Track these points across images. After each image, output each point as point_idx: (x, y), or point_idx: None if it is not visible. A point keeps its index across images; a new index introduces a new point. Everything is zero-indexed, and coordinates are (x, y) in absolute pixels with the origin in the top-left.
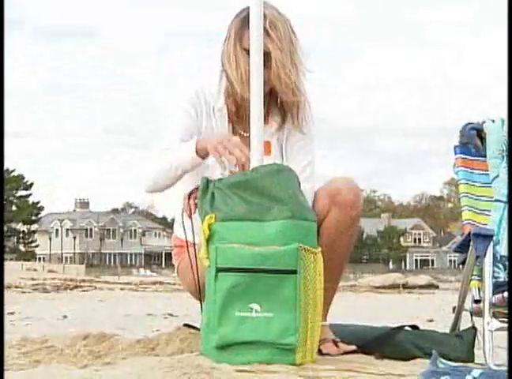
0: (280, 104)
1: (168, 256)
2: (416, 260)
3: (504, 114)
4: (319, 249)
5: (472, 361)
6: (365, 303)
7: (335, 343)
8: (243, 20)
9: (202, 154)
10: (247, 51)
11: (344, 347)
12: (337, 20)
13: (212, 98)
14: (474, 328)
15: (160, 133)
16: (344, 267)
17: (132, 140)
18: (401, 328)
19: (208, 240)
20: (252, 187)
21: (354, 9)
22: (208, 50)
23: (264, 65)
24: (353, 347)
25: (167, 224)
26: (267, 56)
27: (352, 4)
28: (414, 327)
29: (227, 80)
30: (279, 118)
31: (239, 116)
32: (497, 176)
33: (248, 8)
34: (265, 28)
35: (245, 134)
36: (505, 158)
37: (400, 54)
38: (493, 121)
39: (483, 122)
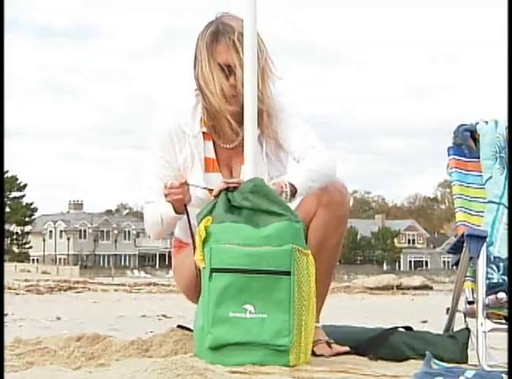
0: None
1: (162, 257)
2: (410, 261)
3: (497, 116)
4: (309, 250)
5: (466, 362)
6: (359, 304)
7: (328, 344)
8: (213, 35)
9: (179, 211)
10: (221, 66)
11: (337, 348)
12: (336, 20)
13: (186, 127)
14: (467, 329)
15: (140, 182)
16: (334, 267)
17: (127, 141)
18: (395, 329)
19: (204, 241)
20: (240, 210)
21: (355, 10)
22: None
23: (232, 77)
24: (346, 349)
25: None
26: (232, 68)
27: (354, 5)
28: (408, 328)
29: (203, 98)
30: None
31: (217, 131)
32: (490, 177)
33: (214, 22)
34: (233, 42)
35: (227, 146)
36: (498, 159)
37: (396, 56)
38: (486, 122)
39: (477, 124)
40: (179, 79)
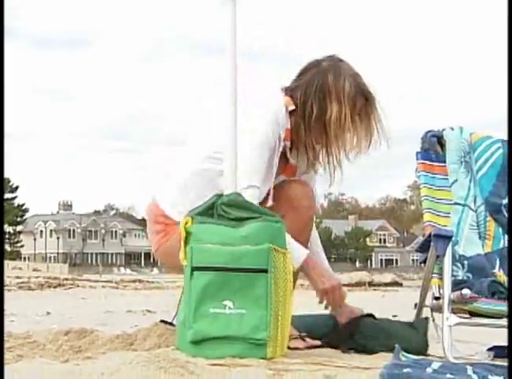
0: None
1: (147, 255)
2: (381, 259)
3: (463, 122)
4: (287, 249)
5: (427, 350)
6: None
7: (302, 338)
8: (357, 88)
9: (302, 270)
10: (360, 116)
11: (311, 341)
12: (324, 24)
13: (282, 119)
14: (426, 318)
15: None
16: None
17: (115, 145)
18: (359, 318)
19: (186, 241)
20: (221, 215)
21: (344, 14)
22: (197, 58)
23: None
24: (319, 342)
25: (146, 225)
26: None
27: (344, 9)
28: (370, 315)
29: (327, 137)
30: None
31: (293, 150)
32: (456, 180)
33: (346, 75)
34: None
35: (291, 162)
36: (463, 163)
37: (372, 62)
38: (452, 128)
39: (443, 130)
40: (171, 87)
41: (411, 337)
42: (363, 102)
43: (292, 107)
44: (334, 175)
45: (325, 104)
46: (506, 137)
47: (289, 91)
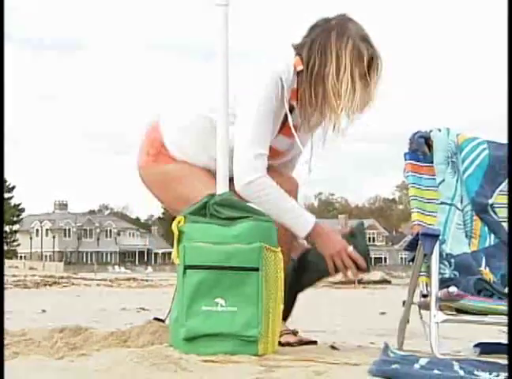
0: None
1: (141, 254)
2: (371, 257)
3: (449, 124)
4: (279, 248)
5: (368, 250)
6: (324, 298)
7: (293, 333)
8: (360, 49)
9: (309, 239)
10: (360, 76)
11: (302, 337)
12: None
13: (286, 82)
14: (362, 223)
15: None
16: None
17: (109, 147)
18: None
19: (178, 240)
20: (213, 215)
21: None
22: (188, 63)
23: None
24: (309, 338)
25: (140, 224)
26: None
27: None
28: None
29: (325, 97)
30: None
31: (297, 110)
32: (443, 180)
33: (352, 34)
34: (381, 64)
35: (291, 124)
36: (450, 164)
37: None
38: (439, 130)
39: (431, 131)
40: (168, 88)
41: (355, 244)
42: (364, 64)
43: (301, 67)
44: (328, 130)
45: (326, 61)
46: (493, 138)
47: (297, 49)
